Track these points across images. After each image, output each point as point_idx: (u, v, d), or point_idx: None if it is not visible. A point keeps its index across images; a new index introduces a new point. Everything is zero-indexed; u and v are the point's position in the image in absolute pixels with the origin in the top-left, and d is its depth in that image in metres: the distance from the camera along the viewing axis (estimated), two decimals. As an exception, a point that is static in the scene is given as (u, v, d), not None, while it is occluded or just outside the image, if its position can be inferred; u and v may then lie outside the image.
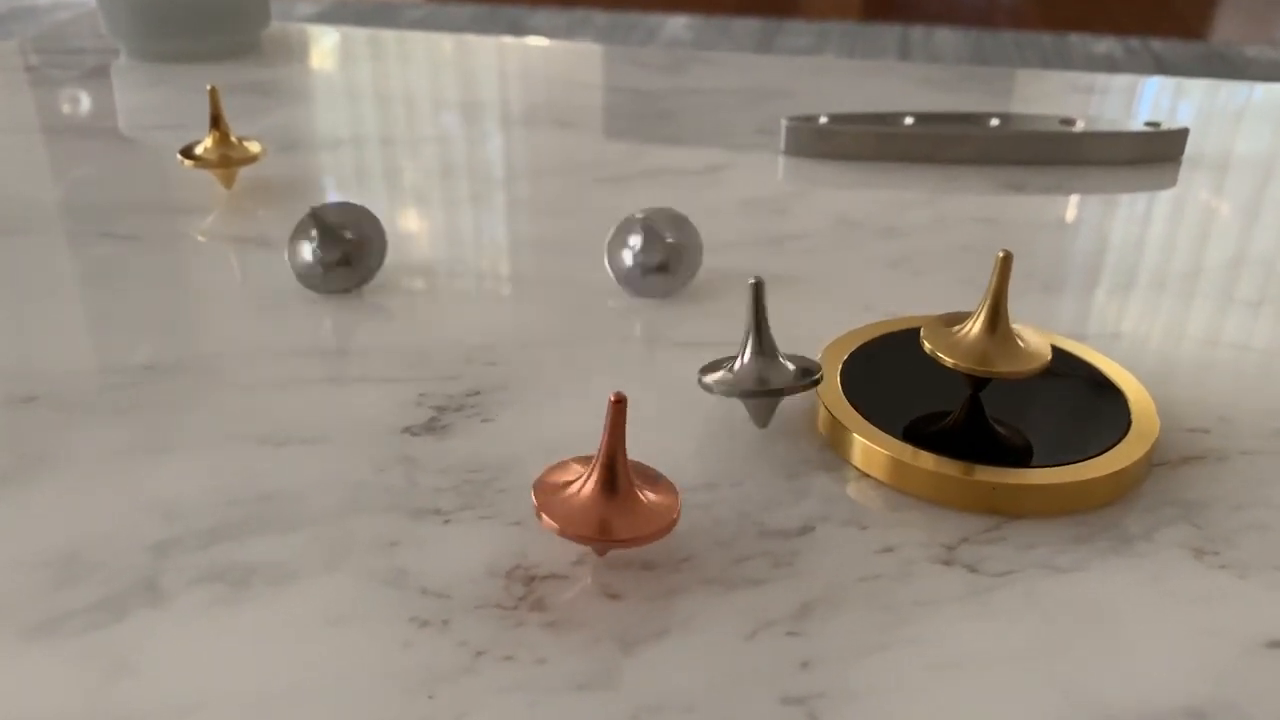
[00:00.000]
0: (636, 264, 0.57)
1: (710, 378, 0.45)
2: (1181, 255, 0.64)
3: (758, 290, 0.44)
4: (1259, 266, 0.62)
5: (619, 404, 0.36)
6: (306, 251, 0.57)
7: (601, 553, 0.38)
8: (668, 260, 0.56)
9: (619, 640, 0.35)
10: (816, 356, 0.48)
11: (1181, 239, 0.66)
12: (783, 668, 0.34)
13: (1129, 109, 0.92)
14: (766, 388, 0.44)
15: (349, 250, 0.57)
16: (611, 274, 0.57)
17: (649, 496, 0.38)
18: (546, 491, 0.38)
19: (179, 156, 0.68)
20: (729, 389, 0.44)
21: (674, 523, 0.38)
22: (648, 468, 0.40)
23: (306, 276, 0.57)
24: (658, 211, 0.57)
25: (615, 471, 0.37)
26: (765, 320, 0.44)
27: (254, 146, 0.69)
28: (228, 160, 0.68)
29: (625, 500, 0.37)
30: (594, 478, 0.37)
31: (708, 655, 0.35)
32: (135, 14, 0.95)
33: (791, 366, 0.45)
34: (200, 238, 0.64)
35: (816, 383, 0.44)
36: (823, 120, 0.76)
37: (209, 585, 0.37)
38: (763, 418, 0.46)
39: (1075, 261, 0.63)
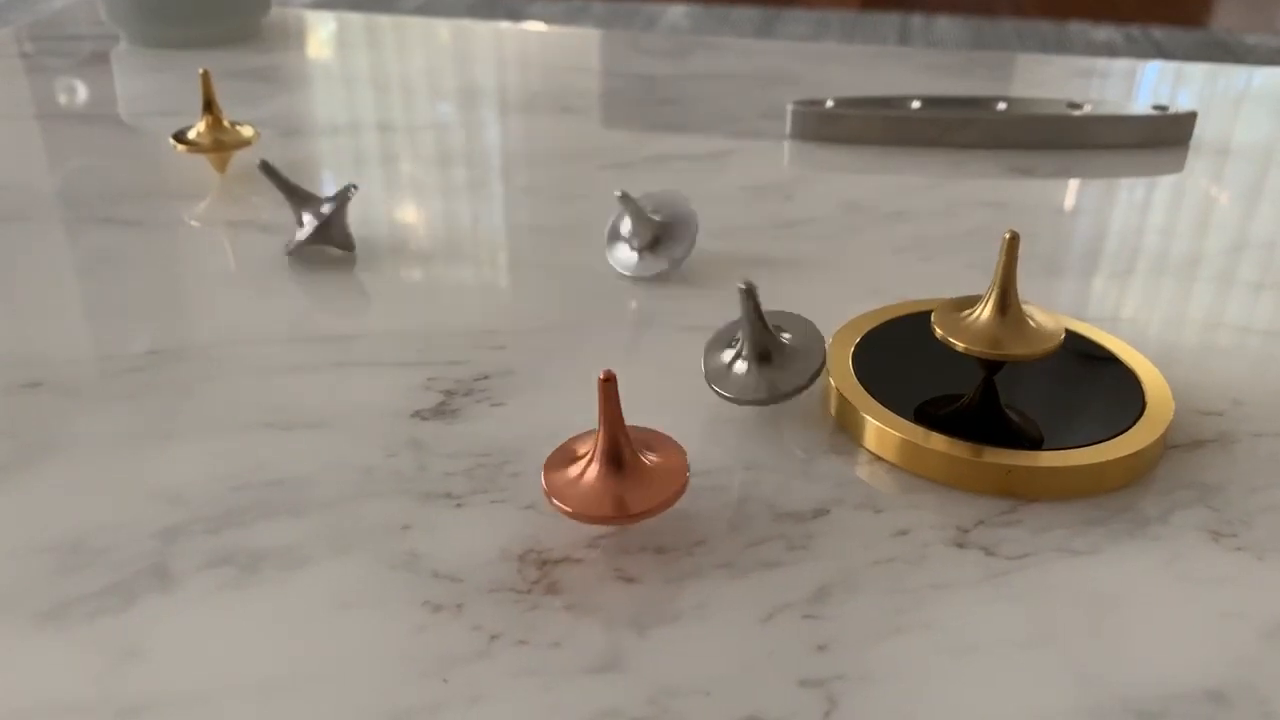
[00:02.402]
0: (631, 246, 0.57)
1: (721, 385, 0.45)
2: (1191, 239, 0.64)
3: (750, 296, 0.43)
4: (1267, 250, 0.62)
5: (609, 381, 0.36)
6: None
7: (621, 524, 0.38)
8: (659, 236, 0.57)
9: (634, 624, 0.35)
10: (826, 343, 0.48)
11: (1190, 223, 0.66)
12: (799, 651, 0.34)
13: (1131, 94, 0.92)
14: (777, 393, 0.44)
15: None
16: (613, 264, 0.57)
17: (655, 460, 0.38)
18: (556, 474, 0.38)
19: (172, 141, 0.68)
20: (744, 399, 0.44)
21: (685, 484, 0.38)
22: (648, 431, 0.40)
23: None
24: (645, 195, 0.58)
25: (619, 448, 0.37)
26: (763, 324, 0.44)
27: (246, 131, 0.69)
28: (220, 145, 0.68)
29: (633, 473, 0.37)
30: (599, 458, 0.37)
31: (724, 638, 0.35)
32: (135, 0, 0.94)
33: (792, 346, 0.45)
34: (194, 223, 0.64)
35: (819, 372, 0.45)
36: (829, 104, 0.76)
37: (218, 570, 0.37)
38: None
39: (1084, 245, 0.63)
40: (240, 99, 0.82)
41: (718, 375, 0.45)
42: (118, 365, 0.49)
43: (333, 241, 0.57)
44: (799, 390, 0.44)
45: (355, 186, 0.57)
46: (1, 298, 0.56)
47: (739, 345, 0.45)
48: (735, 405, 0.46)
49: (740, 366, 0.45)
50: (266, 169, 0.57)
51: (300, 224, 0.57)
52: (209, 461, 0.43)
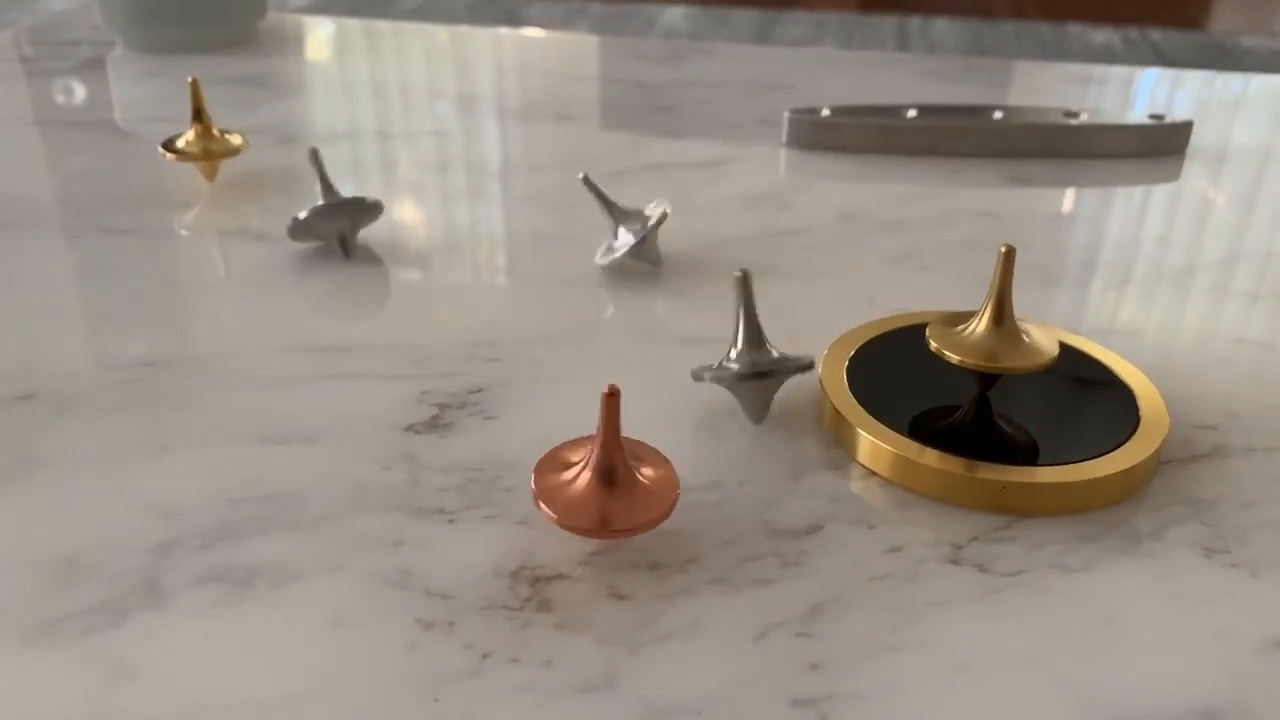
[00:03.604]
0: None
1: (702, 368, 0.46)
2: (1187, 249, 0.63)
3: (745, 282, 0.45)
4: (1263, 260, 0.62)
5: (612, 396, 0.36)
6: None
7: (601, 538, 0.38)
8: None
9: (626, 642, 0.35)
10: (821, 353, 0.48)
11: (1186, 232, 0.66)
12: (792, 669, 0.34)
13: (1128, 101, 0.92)
14: (755, 369, 0.44)
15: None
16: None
17: (645, 476, 0.38)
18: (547, 477, 0.38)
19: (160, 150, 0.68)
20: (720, 377, 0.44)
21: (673, 507, 0.38)
22: (642, 445, 0.40)
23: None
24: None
25: (612, 463, 0.37)
26: (754, 311, 0.45)
27: (235, 139, 0.69)
28: (209, 153, 0.68)
29: (623, 490, 0.38)
30: (592, 469, 0.37)
31: (716, 657, 0.34)
32: (131, 5, 0.94)
33: (781, 356, 0.45)
34: (183, 231, 0.64)
35: (807, 368, 0.45)
36: (825, 113, 0.76)
37: (211, 586, 0.37)
38: (758, 411, 0.45)
39: (1080, 255, 0.63)
40: (237, 105, 0.82)
41: (706, 370, 0.46)
42: (111, 377, 0.49)
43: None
44: (781, 371, 0.44)
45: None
46: (-4, 308, 0.56)
47: (730, 346, 0.45)
48: (730, 418, 0.46)
49: (730, 357, 0.45)
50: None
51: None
52: (202, 475, 0.42)
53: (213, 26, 0.97)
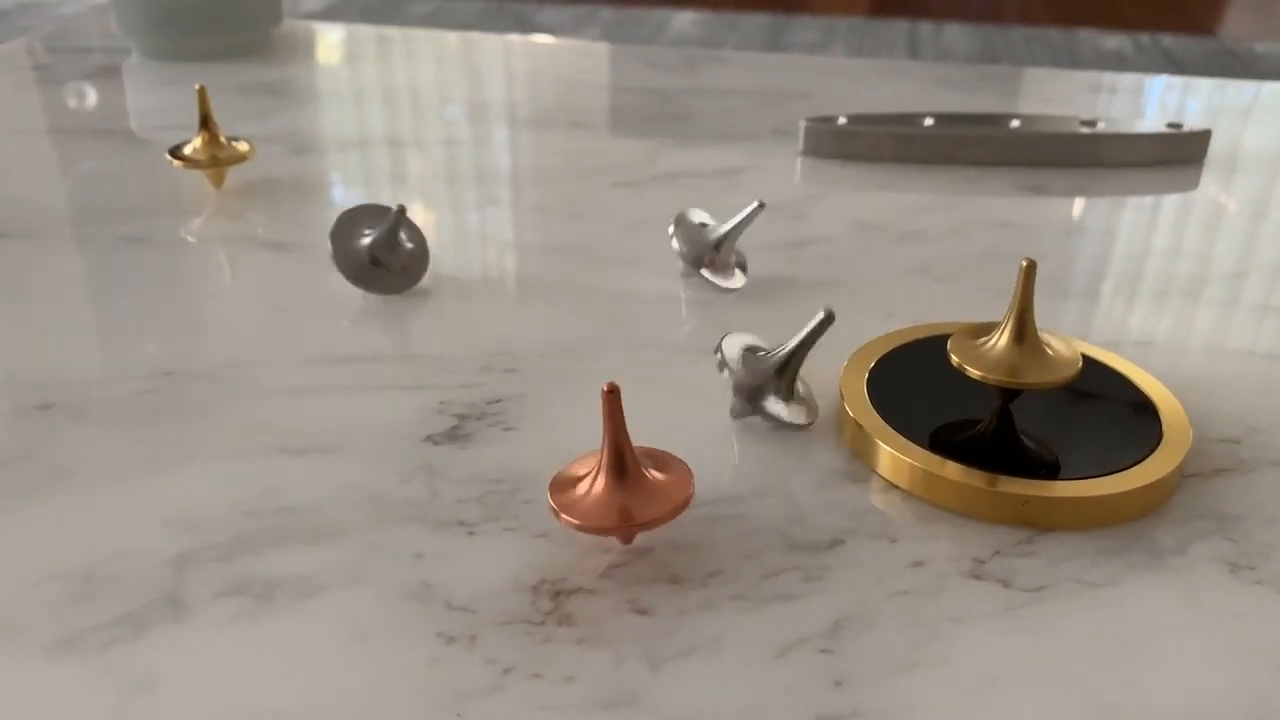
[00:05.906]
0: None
1: (726, 353, 0.46)
2: (1206, 260, 0.63)
3: (824, 324, 0.45)
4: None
5: (612, 394, 0.37)
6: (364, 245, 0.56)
7: (627, 540, 0.38)
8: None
9: (648, 657, 0.35)
10: (841, 364, 0.48)
11: (1205, 243, 0.66)
12: (816, 686, 0.34)
13: (1141, 108, 0.91)
14: (757, 400, 0.45)
15: (405, 258, 0.57)
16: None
17: (660, 476, 0.38)
18: (562, 491, 0.38)
19: (168, 156, 0.68)
20: (733, 378, 0.45)
21: (691, 496, 0.38)
22: (656, 450, 0.40)
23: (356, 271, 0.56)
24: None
25: (623, 460, 0.37)
26: (808, 350, 0.45)
27: (242, 146, 0.69)
28: (216, 160, 0.68)
29: (638, 484, 0.37)
30: (603, 470, 0.37)
31: (739, 673, 0.34)
32: (146, 12, 0.94)
33: (789, 411, 0.45)
34: (189, 239, 0.64)
35: (800, 426, 0.45)
36: (841, 121, 0.75)
37: (231, 599, 0.37)
38: (737, 414, 0.46)
39: (1098, 266, 0.62)
40: (251, 113, 0.82)
41: (729, 361, 0.46)
42: (129, 387, 0.49)
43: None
44: (777, 422, 0.45)
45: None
46: (13, 317, 0.56)
47: (768, 360, 0.46)
48: (748, 431, 0.46)
49: (756, 360, 0.45)
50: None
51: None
52: (221, 487, 0.42)
53: (228, 34, 0.97)
